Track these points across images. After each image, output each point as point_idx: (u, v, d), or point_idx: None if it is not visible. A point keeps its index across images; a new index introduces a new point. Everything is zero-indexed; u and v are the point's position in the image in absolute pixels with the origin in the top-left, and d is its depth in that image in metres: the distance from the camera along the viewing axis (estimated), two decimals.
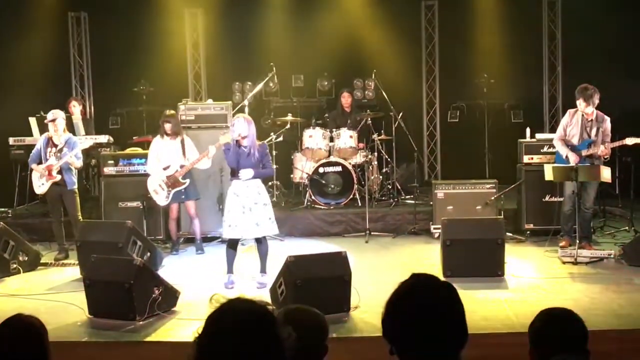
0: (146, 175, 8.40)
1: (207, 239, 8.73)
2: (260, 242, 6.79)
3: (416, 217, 9.17)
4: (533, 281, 6.70)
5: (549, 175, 7.67)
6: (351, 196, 9.54)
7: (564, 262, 7.29)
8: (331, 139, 9.72)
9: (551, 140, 8.27)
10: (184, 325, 5.54)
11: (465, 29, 11.74)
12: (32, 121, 9.74)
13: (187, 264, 7.89)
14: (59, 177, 7.88)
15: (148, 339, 5.37)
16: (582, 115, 7.75)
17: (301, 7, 11.63)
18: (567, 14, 11.70)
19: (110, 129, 11.42)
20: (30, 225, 9.27)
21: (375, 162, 9.98)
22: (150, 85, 11.81)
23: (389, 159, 10.16)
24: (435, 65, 12.28)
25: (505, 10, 11.55)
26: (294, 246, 8.28)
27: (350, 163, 9.67)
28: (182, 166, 8.13)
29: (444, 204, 8.76)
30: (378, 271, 7.18)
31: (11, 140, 9.77)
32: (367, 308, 5.79)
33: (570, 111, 7.95)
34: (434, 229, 8.63)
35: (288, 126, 10.35)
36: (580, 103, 7.70)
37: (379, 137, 9.97)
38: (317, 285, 5.63)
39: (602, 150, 7.67)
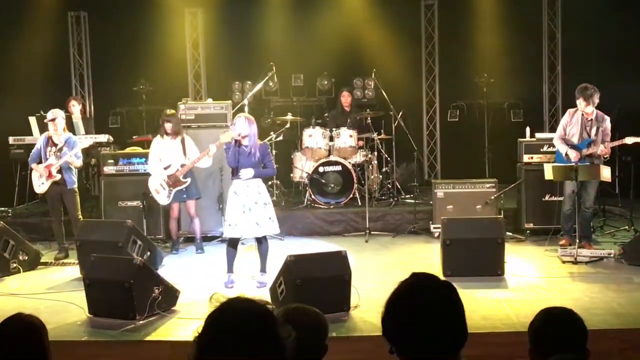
0: (146, 174, 8.40)
1: (207, 239, 8.73)
2: (261, 241, 6.79)
3: (416, 216, 9.17)
4: (533, 280, 6.70)
5: (548, 174, 7.68)
6: (351, 195, 9.54)
7: (563, 262, 7.29)
8: (331, 139, 9.72)
9: (551, 139, 8.27)
10: (183, 325, 5.54)
11: (465, 29, 11.75)
12: (32, 120, 9.74)
13: (187, 264, 7.89)
14: (59, 177, 7.88)
15: (148, 338, 5.37)
16: (582, 114, 7.75)
17: (301, 7, 11.63)
18: (567, 13, 11.70)
19: (110, 128, 11.42)
20: (30, 225, 9.27)
21: (375, 162, 9.98)
22: (150, 85, 11.81)
23: (388, 159, 10.16)
24: (435, 64, 12.28)
25: (505, 10, 11.55)
26: (294, 245, 8.28)
27: (350, 162, 9.67)
28: (182, 165, 8.13)
29: (444, 204, 8.76)
30: (378, 270, 7.18)
31: (11, 140, 9.78)
32: (366, 307, 5.79)
33: (570, 110, 7.95)
34: (434, 228, 8.63)
35: (288, 125, 10.35)
36: (580, 102, 7.70)
37: (379, 137, 9.97)
38: (317, 285, 5.63)
39: (602, 149, 7.67)
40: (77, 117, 9.88)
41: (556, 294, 6.21)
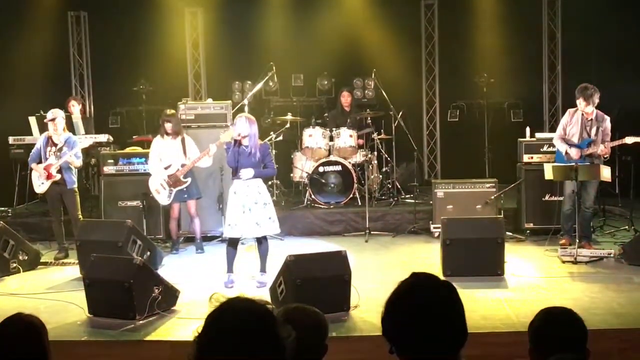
0: (146, 174, 8.41)
1: (207, 238, 8.73)
2: (261, 241, 6.79)
3: (416, 216, 9.17)
4: (533, 280, 6.70)
5: (548, 174, 7.68)
6: (351, 195, 9.54)
7: (563, 262, 7.29)
8: (331, 138, 9.72)
9: (551, 139, 8.27)
10: (183, 325, 5.54)
11: (465, 29, 11.75)
12: (32, 120, 9.74)
13: (187, 263, 7.89)
14: (58, 177, 7.88)
15: (148, 338, 5.37)
16: (582, 114, 7.75)
17: (301, 7, 11.63)
18: (567, 13, 11.70)
19: (110, 128, 11.43)
20: (30, 225, 9.27)
21: (375, 161, 9.98)
22: (150, 85, 11.81)
23: (388, 158, 10.16)
24: (435, 64, 12.29)
25: (505, 10, 11.55)
26: (294, 245, 8.28)
27: (350, 162, 9.67)
28: (183, 165, 8.14)
29: (444, 203, 8.76)
30: (378, 270, 7.18)
31: (11, 140, 9.79)
32: (366, 307, 5.79)
33: (570, 110, 7.95)
34: (434, 228, 8.63)
35: (288, 125, 10.35)
36: (580, 102, 7.70)
37: (379, 137, 9.97)
38: (317, 285, 5.63)
39: (602, 149, 7.67)
40: (77, 117, 9.88)
41: (556, 294, 6.21)
